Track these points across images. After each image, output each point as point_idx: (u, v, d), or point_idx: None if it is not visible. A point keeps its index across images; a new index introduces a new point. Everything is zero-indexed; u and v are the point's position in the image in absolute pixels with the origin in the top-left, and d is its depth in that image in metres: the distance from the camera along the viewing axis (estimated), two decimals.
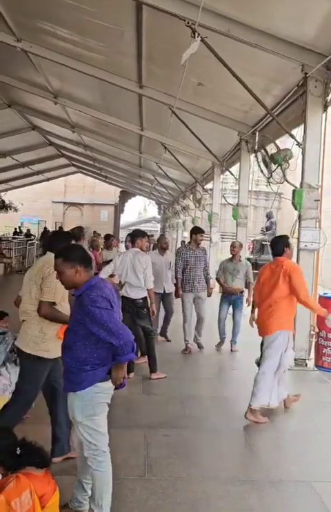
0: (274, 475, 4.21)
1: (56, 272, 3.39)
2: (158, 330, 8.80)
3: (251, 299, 7.94)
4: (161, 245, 8.99)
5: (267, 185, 8.84)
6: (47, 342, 4.07)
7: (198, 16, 5.67)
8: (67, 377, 3.37)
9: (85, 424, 3.28)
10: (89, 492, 3.44)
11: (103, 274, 6.48)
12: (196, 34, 5.90)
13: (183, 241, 8.33)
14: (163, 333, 8.92)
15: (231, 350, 8.43)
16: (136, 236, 6.80)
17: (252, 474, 4.23)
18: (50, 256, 3.88)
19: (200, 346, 8.42)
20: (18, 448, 2.99)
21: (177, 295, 8.43)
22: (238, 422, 5.35)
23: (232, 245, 8.69)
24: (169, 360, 7.62)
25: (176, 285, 8.36)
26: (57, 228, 33.62)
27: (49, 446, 4.10)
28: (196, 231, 8.41)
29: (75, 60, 9.49)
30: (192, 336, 8.35)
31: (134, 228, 57.23)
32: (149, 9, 6.41)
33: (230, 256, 8.71)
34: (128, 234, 7.83)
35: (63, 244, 3.83)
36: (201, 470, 4.28)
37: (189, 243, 8.61)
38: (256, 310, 5.70)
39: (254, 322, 5.77)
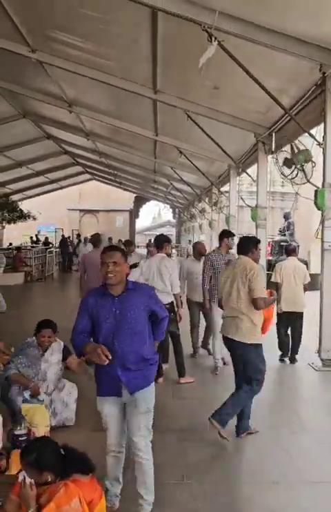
0: (312, 476, 4.19)
1: (109, 262, 3.49)
2: (199, 343, 8.34)
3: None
4: (198, 251, 8.33)
5: (282, 186, 8.78)
6: (257, 331, 4.87)
7: (215, 20, 5.69)
8: (144, 373, 3.57)
9: (150, 413, 3.59)
10: (119, 489, 3.71)
11: (130, 278, 6.50)
12: (213, 38, 5.92)
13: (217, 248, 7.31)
14: (205, 345, 8.40)
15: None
16: (161, 241, 6.79)
17: (290, 476, 4.20)
18: (246, 259, 4.96)
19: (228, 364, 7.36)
20: (63, 455, 3.01)
21: (205, 308, 7.49)
22: (272, 424, 5.33)
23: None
24: (197, 365, 7.62)
25: (203, 295, 7.43)
26: (76, 235, 33.84)
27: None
28: (227, 234, 7.51)
29: (90, 68, 9.56)
30: (221, 353, 7.40)
31: (149, 232, 57.45)
32: (164, 14, 6.44)
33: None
34: (154, 240, 7.72)
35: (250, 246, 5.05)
36: (239, 473, 4.27)
37: (218, 248, 7.62)
38: None
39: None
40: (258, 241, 5.27)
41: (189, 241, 25.67)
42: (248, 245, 5.16)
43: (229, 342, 5.04)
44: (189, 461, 4.41)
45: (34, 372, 5.16)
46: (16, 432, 4.12)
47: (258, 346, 4.90)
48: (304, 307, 7.86)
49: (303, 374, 7.44)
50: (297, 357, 7.89)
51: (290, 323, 7.92)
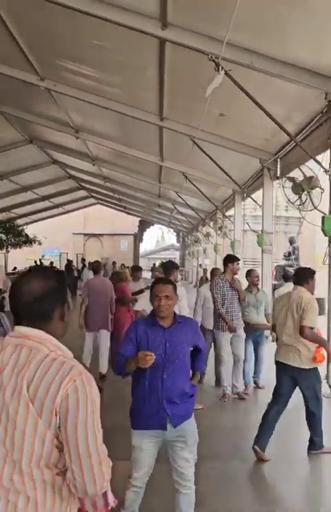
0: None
1: (162, 296, 3.55)
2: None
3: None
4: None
5: (286, 210, 8.82)
6: (312, 357, 5.12)
7: (222, 51, 5.80)
8: (186, 406, 3.56)
9: (197, 443, 3.63)
10: None
11: (139, 306, 6.50)
12: (220, 68, 6.02)
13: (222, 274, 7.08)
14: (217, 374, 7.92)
15: (258, 387, 7.88)
16: (170, 268, 6.80)
17: (307, 507, 4.12)
18: (302, 289, 5.18)
19: (240, 396, 7.46)
20: None
21: (231, 329, 7.25)
22: (285, 453, 5.24)
23: (252, 275, 7.85)
24: (207, 391, 7.53)
25: (223, 319, 7.21)
26: (80, 260, 33.96)
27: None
28: (232, 259, 7.42)
29: (97, 96, 9.71)
30: (229, 380, 7.42)
31: (153, 256, 57.58)
32: (171, 44, 6.58)
33: (246, 286, 7.93)
34: (161, 266, 7.75)
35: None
36: (252, 502, 4.19)
37: (223, 273, 7.52)
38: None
39: None
40: (314, 272, 5.48)
41: (200, 265, 25.45)
42: (305, 275, 5.41)
43: (287, 369, 5.25)
44: (201, 490, 4.32)
45: None
46: None
47: (316, 370, 5.28)
48: None
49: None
50: None
51: None
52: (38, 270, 2.09)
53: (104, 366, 8.13)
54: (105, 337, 8.27)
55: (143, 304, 6.65)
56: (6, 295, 17.27)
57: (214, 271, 8.68)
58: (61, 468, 1.76)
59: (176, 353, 3.49)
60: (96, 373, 7.58)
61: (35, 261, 32.41)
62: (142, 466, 3.54)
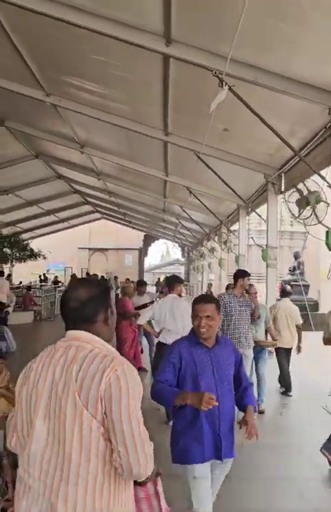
0: None
1: (202, 315, 3.29)
2: None
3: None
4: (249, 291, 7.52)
5: (291, 225, 8.81)
6: None
7: (226, 67, 5.84)
8: (231, 439, 3.25)
9: None
10: None
11: (142, 320, 6.47)
12: (224, 83, 6.06)
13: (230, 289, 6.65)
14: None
15: (259, 412, 7.11)
16: (173, 282, 6.79)
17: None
18: None
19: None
20: None
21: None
22: (295, 471, 5.16)
23: (250, 290, 7.35)
24: None
25: None
26: (85, 274, 33.99)
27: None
28: (242, 274, 6.94)
29: (102, 112, 9.81)
30: None
31: (158, 271, 57.50)
32: (175, 60, 6.63)
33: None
34: (165, 280, 7.71)
35: None
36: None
37: (232, 288, 7.15)
38: None
39: None
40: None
41: (210, 284, 24.95)
42: None
43: None
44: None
45: None
46: None
47: None
48: (292, 344, 8.51)
49: (315, 417, 7.22)
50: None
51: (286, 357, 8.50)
52: (85, 280, 2.61)
53: None
54: None
55: (146, 318, 6.63)
56: (10, 309, 17.30)
57: (229, 287, 8.31)
58: (109, 457, 1.93)
59: (225, 376, 3.24)
60: None
61: (39, 276, 32.47)
62: (203, 494, 3.20)
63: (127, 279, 26.29)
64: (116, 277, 31.07)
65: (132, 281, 17.16)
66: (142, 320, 6.45)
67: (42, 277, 31.89)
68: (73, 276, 28.94)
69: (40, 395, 2.01)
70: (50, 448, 1.94)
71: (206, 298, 3.45)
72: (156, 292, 12.28)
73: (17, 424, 2.10)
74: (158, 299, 8.75)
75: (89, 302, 2.12)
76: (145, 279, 37.62)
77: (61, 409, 1.93)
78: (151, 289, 20.45)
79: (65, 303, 2.16)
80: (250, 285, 7.45)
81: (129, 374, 1.95)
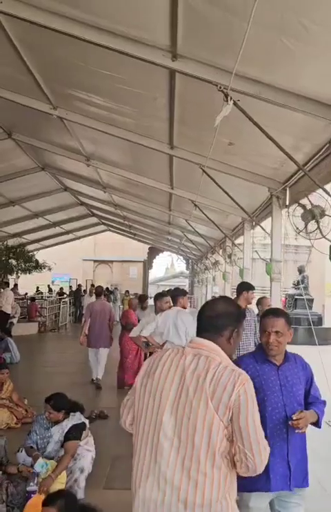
0: None
1: (271, 331, 3.13)
2: None
3: None
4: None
5: (296, 239, 8.77)
6: None
7: (231, 82, 5.89)
8: (301, 467, 3.13)
9: None
10: None
11: (146, 332, 6.45)
12: (229, 98, 6.11)
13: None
14: None
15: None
16: (177, 295, 6.78)
17: None
18: None
19: None
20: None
21: None
22: None
23: (263, 303, 7.43)
24: None
25: None
26: (90, 285, 34.05)
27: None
28: (246, 287, 7.07)
29: (108, 125, 9.90)
30: None
31: (162, 283, 57.40)
32: (181, 75, 6.70)
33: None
34: (168, 293, 7.70)
35: None
36: None
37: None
38: None
39: None
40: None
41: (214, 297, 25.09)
42: None
43: None
44: None
45: (43, 442, 5.09)
46: (29, 489, 4.25)
47: None
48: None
49: (318, 432, 7.14)
50: None
51: None
52: (226, 297, 2.93)
53: (100, 373, 10.36)
54: (103, 353, 10.44)
55: (149, 330, 6.61)
56: (15, 320, 17.31)
57: (259, 300, 8.46)
58: (229, 456, 2.26)
59: (294, 396, 3.08)
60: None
61: (49, 285, 32.51)
62: None
63: (127, 292, 26.19)
64: (116, 289, 31.03)
65: (134, 294, 17.27)
66: (134, 333, 6.44)
67: (47, 289, 31.94)
68: (79, 286, 28.89)
69: (167, 392, 2.30)
70: (177, 440, 2.22)
71: (276, 312, 3.25)
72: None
73: (135, 410, 2.41)
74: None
75: (222, 315, 2.42)
76: (149, 291, 37.59)
77: (191, 409, 2.22)
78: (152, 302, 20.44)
79: (202, 313, 2.48)
80: (264, 297, 7.55)
81: (250, 389, 2.26)
